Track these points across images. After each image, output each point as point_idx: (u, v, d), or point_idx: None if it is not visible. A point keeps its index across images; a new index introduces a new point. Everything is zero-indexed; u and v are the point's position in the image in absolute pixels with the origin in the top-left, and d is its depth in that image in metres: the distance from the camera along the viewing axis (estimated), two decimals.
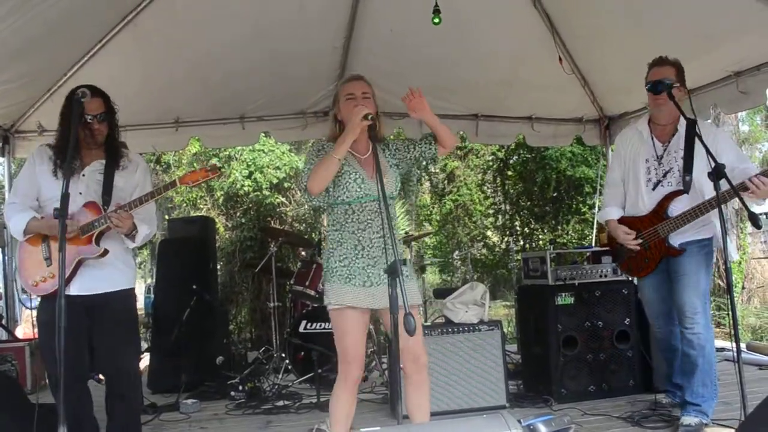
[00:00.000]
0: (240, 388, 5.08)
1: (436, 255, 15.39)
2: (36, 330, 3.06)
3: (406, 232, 10.52)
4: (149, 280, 13.32)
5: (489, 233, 14.13)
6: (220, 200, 10.18)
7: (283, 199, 10.13)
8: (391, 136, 6.06)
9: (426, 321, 6.07)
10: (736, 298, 3.55)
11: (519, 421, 1.78)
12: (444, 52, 5.46)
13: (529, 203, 12.68)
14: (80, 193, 3.12)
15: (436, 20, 4.58)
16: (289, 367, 5.43)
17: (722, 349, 5.60)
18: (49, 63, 4.76)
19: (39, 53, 4.45)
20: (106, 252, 3.10)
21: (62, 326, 2.28)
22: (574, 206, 11.97)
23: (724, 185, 3.17)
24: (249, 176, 9.82)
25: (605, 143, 6.73)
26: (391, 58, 5.58)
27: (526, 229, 12.78)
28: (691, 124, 3.35)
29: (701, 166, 3.49)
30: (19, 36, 4.00)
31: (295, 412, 4.64)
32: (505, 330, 4.65)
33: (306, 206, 9.86)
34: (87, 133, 3.12)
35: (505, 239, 13.04)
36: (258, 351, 6.51)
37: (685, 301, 3.66)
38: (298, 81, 5.73)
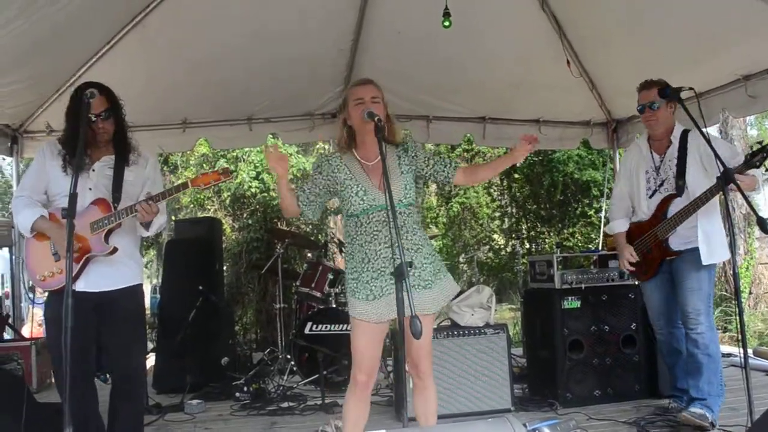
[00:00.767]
0: (245, 389, 5.08)
1: (442, 258, 15.34)
2: (43, 328, 3.06)
3: None
4: (155, 281, 13.36)
5: (495, 236, 14.10)
6: (227, 201, 10.19)
7: None
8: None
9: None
10: (743, 304, 3.54)
11: (524, 425, 1.77)
12: (451, 54, 5.46)
13: (535, 206, 12.64)
14: (90, 189, 3.11)
15: (446, 23, 4.56)
16: (294, 368, 5.43)
17: (729, 355, 5.58)
18: (56, 64, 4.78)
19: (46, 55, 4.48)
20: (115, 250, 3.09)
21: (69, 326, 2.28)
22: (580, 209, 11.93)
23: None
24: (256, 177, 9.83)
25: (613, 146, 6.72)
26: (399, 60, 5.58)
27: (532, 232, 12.75)
28: (684, 134, 3.86)
29: (693, 170, 3.81)
30: (27, 38, 4.02)
31: (300, 413, 4.64)
32: (510, 333, 4.64)
33: None
34: (92, 132, 3.10)
35: (511, 242, 13.01)
36: (263, 352, 6.50)
37: (688, 303, 3.79)
38: (305, 83, 5.74)
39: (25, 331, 6.31)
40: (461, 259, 14.17)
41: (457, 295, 4.59)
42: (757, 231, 10.51)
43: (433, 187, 15.54)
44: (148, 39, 4.82)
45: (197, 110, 5.83)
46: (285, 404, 4.79)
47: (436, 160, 3.07)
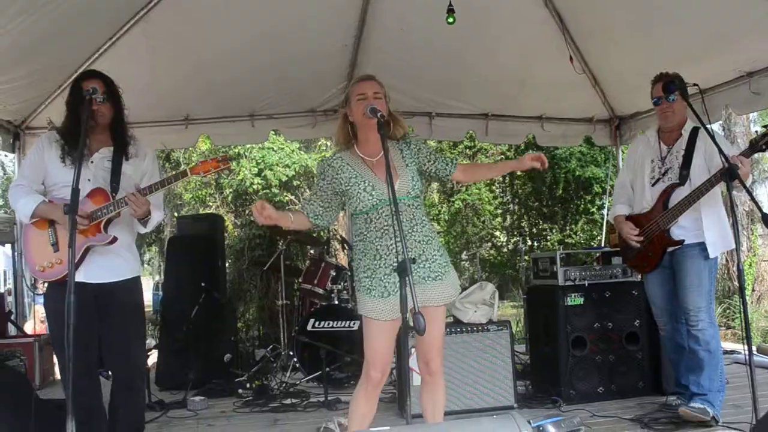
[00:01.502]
0: (247, 385, 5.07)
1: None
2: (45, 325, 3.05)
3: None
4: (158, 277, 13.37)
5: (497, 233, 14.10)
6: (229, 198, 10.20)
7: (292, 197, 10.14)
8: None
9: None
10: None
11: (529, 422, 1.76)
12: (454, 50, 5.45)
13: (537, 203, 12.65)
14: (88, 180, 3.08)
15: (450, 20, 4.55)
16: (297, 365, 5.43)
17: (732, 352, 5.57)
18: (58, 61, 4.77)
19: (48, 52, 4.47)
20: (115, 239, 3.06)
21: (71, 323, 2.27)
22: (582, 206, 11.93)
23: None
24: (258, 174, 9.83)
25: (615, 143, 6.70)
26: (401, 56, 5.57)
27: (534, 229, 12.74)
28: (695, 130, 3.85)
29: (698, 162, 3.81)
30: (28, 35, 4.01)
31: (303, 410, 4.63)
32: (513, 330, 4.63)
33: None
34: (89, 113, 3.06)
35: (513, 239, 13.00)
36: (266, 349, 6.51)
37: (688, 300, 3.79)
38: (307, 79, 5.73)
39: (28, 328, 6.32)
40: (463, 256, 14.17)
41: (460, 292, 4.60)
42: (760, 228, 10.51)
43: (435, 184, 15.55)
44: (150, 36, 4.81)
45: (200, 106, 5.82)
46: (288, 401, 4.78)
47: (437, 157, 3.08)
